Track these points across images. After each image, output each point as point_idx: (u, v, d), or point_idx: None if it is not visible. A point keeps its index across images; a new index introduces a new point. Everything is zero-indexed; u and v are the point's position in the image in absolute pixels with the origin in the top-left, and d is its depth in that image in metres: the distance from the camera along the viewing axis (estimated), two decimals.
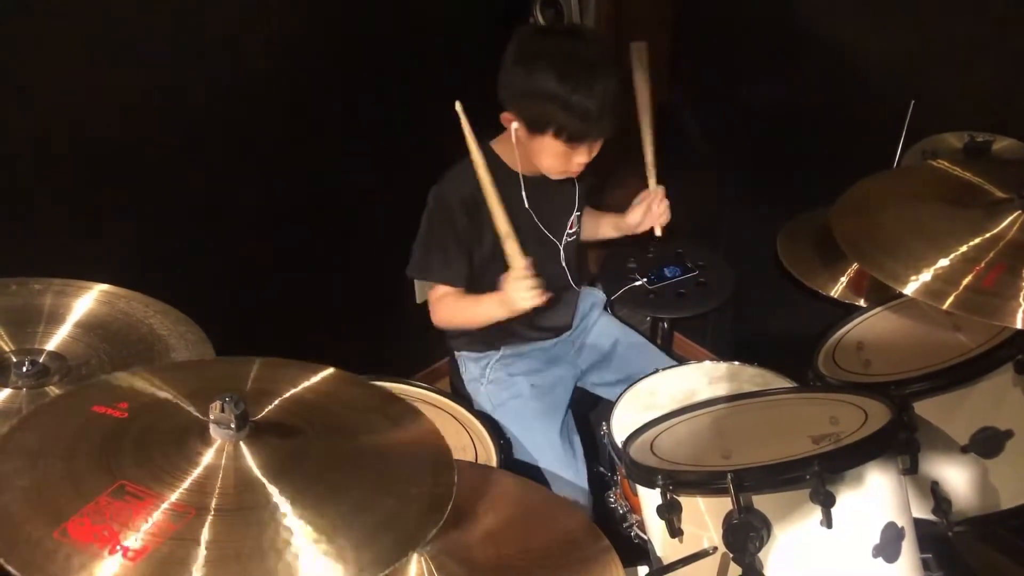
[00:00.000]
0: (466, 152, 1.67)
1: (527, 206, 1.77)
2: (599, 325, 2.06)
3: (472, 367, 1.96)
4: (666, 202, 1.87)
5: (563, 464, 1.83)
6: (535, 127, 1.65)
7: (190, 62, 1.83)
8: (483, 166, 1.60)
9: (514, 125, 1.69)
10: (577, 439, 1.89)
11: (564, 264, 1.90)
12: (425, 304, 2.45)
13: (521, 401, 1.89)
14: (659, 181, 1.87)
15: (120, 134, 1.79)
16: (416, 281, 2.47)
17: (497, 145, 1.78)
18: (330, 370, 1.16)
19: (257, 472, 0.97)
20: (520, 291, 1.64)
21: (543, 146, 1.67)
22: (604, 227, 2.03)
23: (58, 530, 0.87)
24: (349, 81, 2.11)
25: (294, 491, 0.96)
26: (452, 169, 1.77)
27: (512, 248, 1.63)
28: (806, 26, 2.19)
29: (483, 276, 1.79)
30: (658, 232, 1.89)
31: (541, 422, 1.86)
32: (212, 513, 0.91)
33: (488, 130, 1.77)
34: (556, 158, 1.68)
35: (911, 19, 1.97)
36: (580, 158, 1.68)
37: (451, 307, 1.81)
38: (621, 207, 1.97)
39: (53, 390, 1.23)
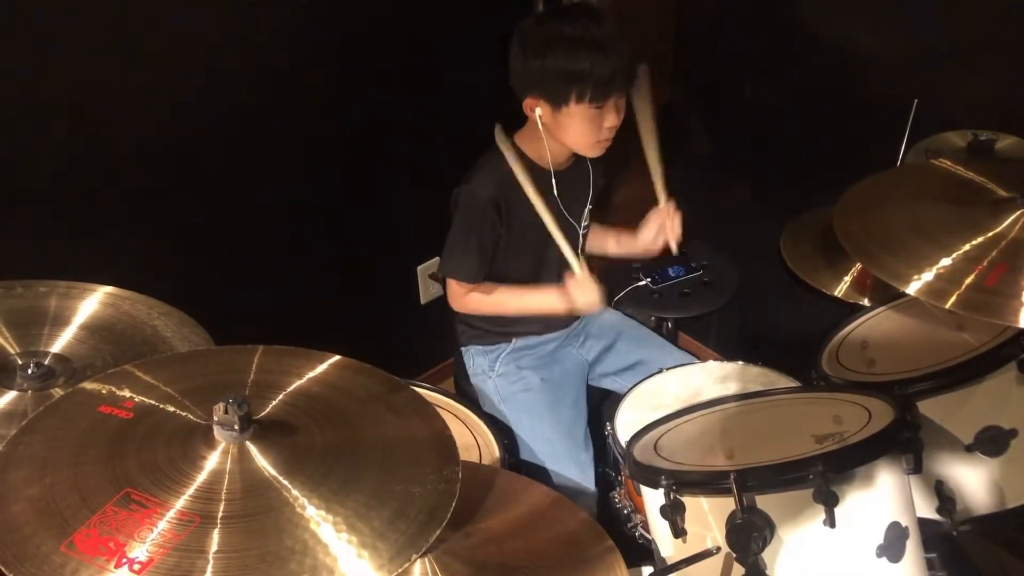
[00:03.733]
0: (484, 150, 1.76)
1: (556, 194, 1.80)
2: (603, 317, 2.07)
3: (480, 360, 1.96)
4: (679, 216, 1.87)
5: (571, 458, 1.83)
6: (559, 101, 1.68)
7: (195, 64, 1.84)
8: (532, 187, 1.70)
9: (538, 111, 1.72)
10: (589, 439, 1.89)
11: (579, 252, 1.92)
12: (428, 305, 2.48)
13: (532, 394, 1.90)
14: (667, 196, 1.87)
15: (125, 136, 1.80)
16: (421, 282, 2.47)
17: (520, 140, 1.81)
18: (335, 358, 1.17)
19: (269, 472, 0.97)
20: (586, 295, 1.75)
21: (571, 118, 1.69)
22: (609, 244, 2.04)
23: (65, 543, 0.87)
24: (352, 79, 2.11)
25: (308, 489, 0.96)
26: (477, 169, 1.79)
27: (571, 255, 1.74)
28: (808, 25, 2.18)
29: (502, 264, 1.84)
30: (675, 250, 1.89)
31: (551, 415, 1.87)
32: (219, 520, 0.92)
33: (501, 121, 1.77)
34: (586, 125, 1.70)
35: (914, 17, 1.97)
36: (609, 120, 1.70)
37: (488, 299, 1.85)
38: (627, 206, 1.97)
39: (58, 392, 1.23)
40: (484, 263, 1.81)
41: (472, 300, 1.86)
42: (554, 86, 1.67)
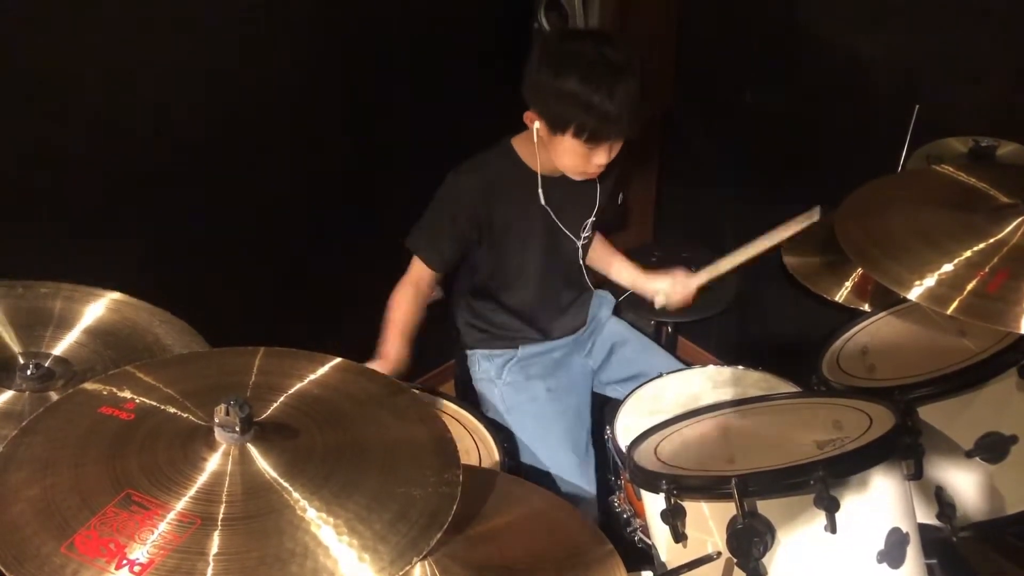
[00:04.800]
0: (482, 146, 1.77)
1: (543, 203, 1.79)
2: (609, 326, 2.08)
3: (486, 365, 1.96)
4: (691, 298, 1.93)
5: (574, 468, 1.84)
6: (556, 127, 1.67)
7: (197, 69, 1.84)
8: None
9: (536, 124, 1.71)
10: (591, 447, 1.89)
11: (581, 263, 1.92)
12: (430, 307, 2.48)
13: (537, 405, 1.90)
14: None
15: (134, 143, 1.80)
16: None
17: (517, 142, 1.81)
18: (336, 360, 1.17)
19: (270, 475, 0.97)
20: None
21: (563, 146, 1.69)
22: (618, 271, 2.05)
23: (66, 544, 0.87)
24: (354, 83, 2.11)
25: (309, 491, 0.96)
26: (471, 161, 1.79)
27: None
28: (810, 31, 2.19)
29: (483, 263, 1.84)
30: (657, 306, 1.97)
31: (557, 426, 1.87)
32: (220, 522, 0.92)
33: (501, 125, 1.78)
34: (575, 158, 1.70)
35: (915, 24, 1.97)
36: (599, 159, 1.69)
37: (399, 304, 1.82)
38: (629, 213, 1.97)
39: (55, 395, 1.23)
40: (449, 251, 1.80)
41: (401, 292, 1.83)
42: (556, 110, 1.66)
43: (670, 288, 1.94)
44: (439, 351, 2.53)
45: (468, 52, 2.24)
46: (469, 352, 2.00)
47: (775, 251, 1.82)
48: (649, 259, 2.15)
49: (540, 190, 1.78)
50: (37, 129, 1.69)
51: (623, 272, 2.03)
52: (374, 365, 1.73)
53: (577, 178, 1.77)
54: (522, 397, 1.91)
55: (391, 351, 1.78)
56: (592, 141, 1.65)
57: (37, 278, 1.39)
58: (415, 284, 1.82)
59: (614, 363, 2.02)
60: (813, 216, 1.74)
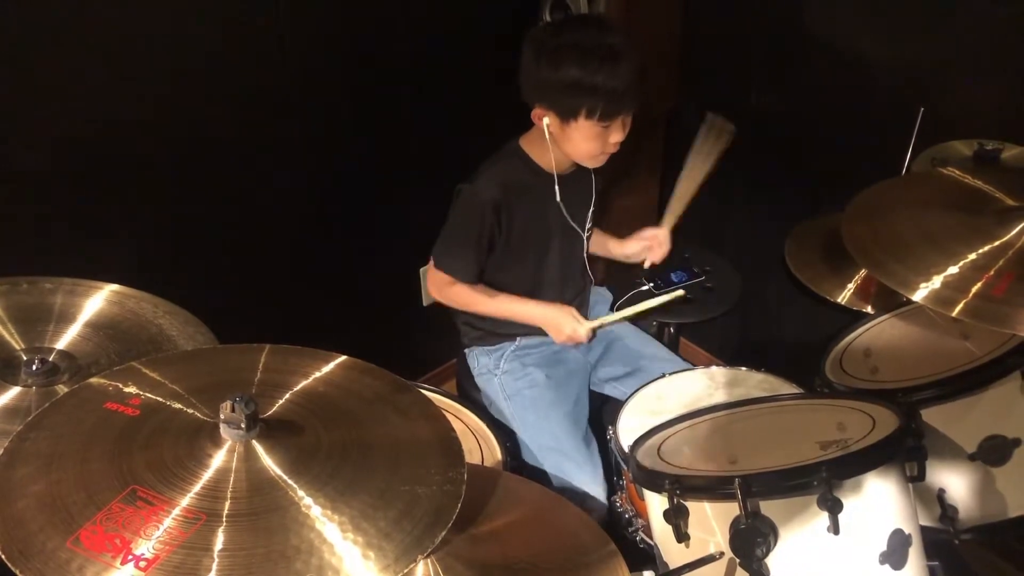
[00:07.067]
0: (488, 152, 1.79)
1: (558, 200, 1.80)
2: None
3: (484, 359, 1.96)
4: (668, 245, 1.96)
5: (578, 452, 1.83)
6: (567, 114, 1.69)
7: (202, 66, 1.84)
8: None
9: (546, 120, 1.72)
10: (593, 441, 1.89)
11: (584, 255, 1.93)
12: (430, 307, 2.48)
13: (537, 391, 1.90)
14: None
15: (132, 134, 1.80)
16: (423, 283, 2.47)
17: (526, 143, 1.81)
18: (342, 358, 1.17)
19: (275, 472, 0.97)
20: (576, 330, 1.82)
21: (578, 132, 1.70)
22: (601, 246, 2.06)
23: (71, 539, 0.88)
24: (360, 83, 2.11)
25: (314, 488, 0.96)
26: (482, 170, 1.80)
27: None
28: (815, 31, 2.19)
29: (502, 268, 1.84)
30: (646, 265, 2.01)
31: (557, 411, 1.87)
32: (225, 519, 0.92)
33: (505, 124, 1.78)
34: (593, 141, 1.71)
35: (920, 26, 1.97)
36: (615, 136, 1.71)
37: (469, 294, 1.85)
38: (627, 214, 1.98)
39: (62, 389, 1.24)
40: (480, 262, 1.82)
41: (454, 291, 1.85)
42: (564, 100, 1.67)
43: (646, 248, 1.99)
44: (440, 351, 2.53)
45: (473, 51, 2.24)
46: (467, 350, 2.00)
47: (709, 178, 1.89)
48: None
49: (556, 187, 1.79)
50: (36, 126, 1.69)
51: (602, 248, 2.05)
52: (558, 328, 1.84)
53: (594, 164, 1.79)
54: (521, 384, 1.91)
55: (542, 307, 1.85)
56: (605, 119, 1.67)
57: (40, 273, 1.39)
58: (453, 281, 1.84)
59: (611, 357, 2.02)
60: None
